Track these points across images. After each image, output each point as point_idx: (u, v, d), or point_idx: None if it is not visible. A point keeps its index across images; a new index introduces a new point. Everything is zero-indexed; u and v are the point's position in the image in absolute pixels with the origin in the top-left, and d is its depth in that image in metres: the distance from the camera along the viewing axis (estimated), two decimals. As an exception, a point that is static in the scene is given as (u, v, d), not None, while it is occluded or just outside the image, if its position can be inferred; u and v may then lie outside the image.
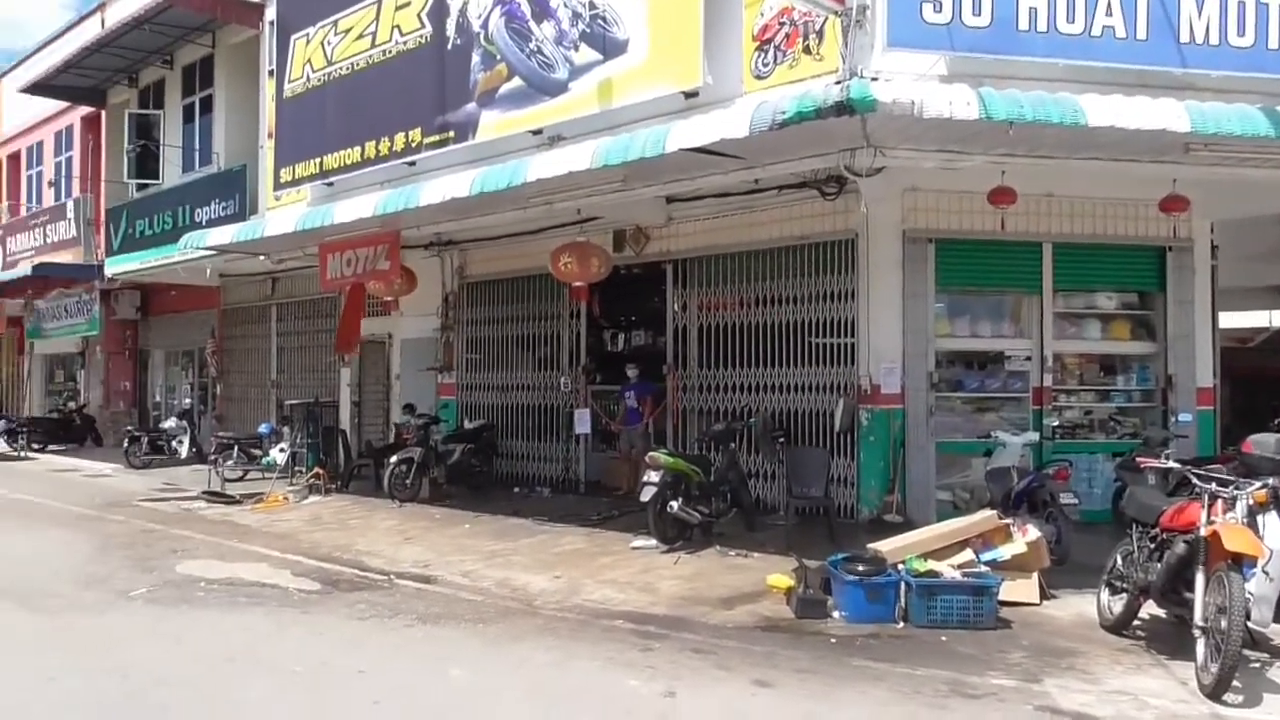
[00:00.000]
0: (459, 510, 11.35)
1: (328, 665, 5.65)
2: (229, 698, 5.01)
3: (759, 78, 8.91)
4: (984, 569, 6.68)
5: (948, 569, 6.61)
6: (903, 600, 6.51)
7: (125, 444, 17.31)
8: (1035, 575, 6.92)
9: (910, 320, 9.63)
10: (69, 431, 21.48)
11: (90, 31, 19.74)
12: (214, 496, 12.96)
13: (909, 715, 4.88)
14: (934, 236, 9.65)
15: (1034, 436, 9.34)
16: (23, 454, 20.32)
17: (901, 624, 6.42)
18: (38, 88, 20.32)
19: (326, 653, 5.93)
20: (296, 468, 13.94)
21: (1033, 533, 7.02)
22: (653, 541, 8.84)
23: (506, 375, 13.72)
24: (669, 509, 8.74)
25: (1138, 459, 7.31)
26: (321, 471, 13.29)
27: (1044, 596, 6.92)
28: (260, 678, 5.41)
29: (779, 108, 6.80)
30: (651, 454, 9.05)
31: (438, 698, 5.04)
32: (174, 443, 17.73)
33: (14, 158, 25.24)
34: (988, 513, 7.37)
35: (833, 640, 6.17)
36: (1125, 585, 6.13)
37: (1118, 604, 6.20)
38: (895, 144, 7.56)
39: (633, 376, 12.15)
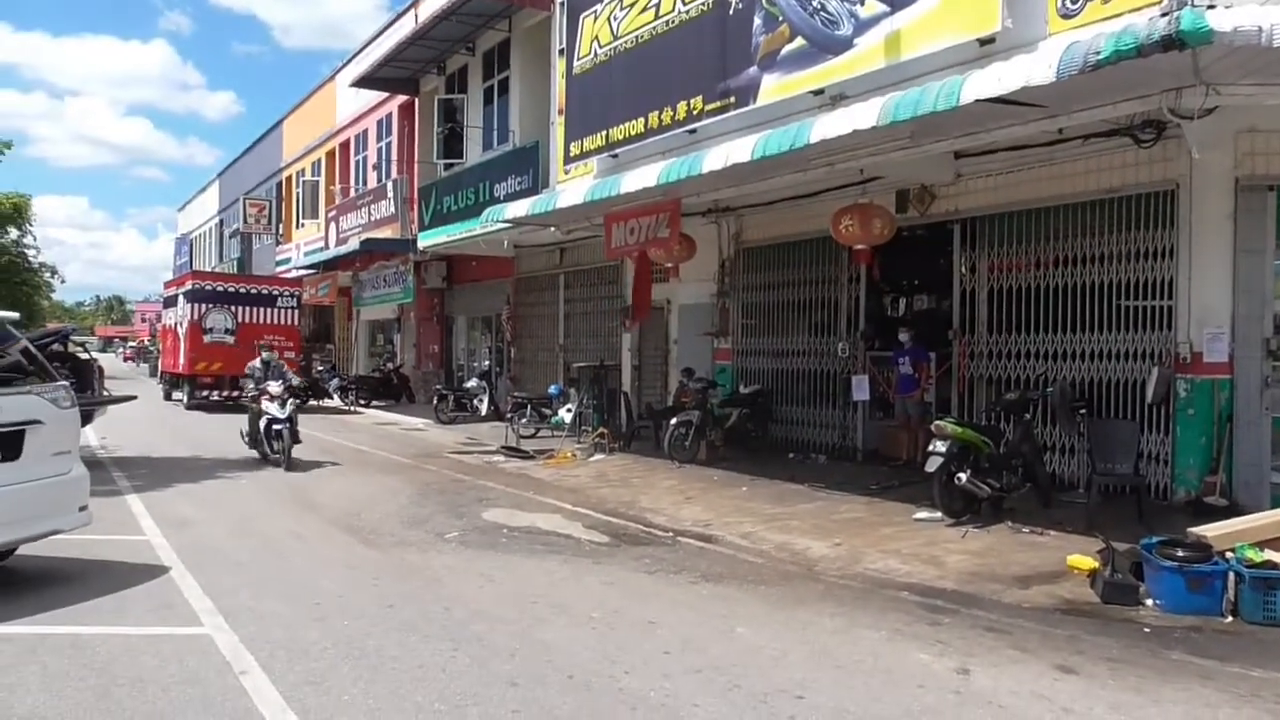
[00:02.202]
0: (735, 473, 11.54)
1: (620, 614, 5.96)
2: (535, 636, 5.43)
3: (1066, 17, 8.15)
4: (1339, 564, 5.84)
5: (1291, 561, 5.85)
6: (1231, 593, 5.85)
7: (434, 401, 19.31)
8: (1407, 576, 5.95)
9: (1243, 280, 8.53)
10: (387, 389, 24.19)
11: (405, 27, 21.84)
12: (511, 452, 14.06)
13: (1245, 720, 4.38)
14: (1276, 184, 8.46)
15: (1404, 415, 7.99)
16: (352, 408, 23.13)
17: (1230, 619, 5.79)
18: (363, 81, 22.81)
19: (618, 602, 6.26)
20: (583, 427, 14.82)
21: (1404, 526, 6.05)
22: (937, 514, 8.53)
23: (782, 340, 13.72)
24: (956, 480, 8.37)
25: None
26: (605, 431, 14.01)
27: None
28: (561, 620, 5.80)
29: (1093, 48, 6.20)
30: (938, 423, 8.68)
31: (725, 654, 5.15)
32: (475, 401, 19.49)
33: (344, 146, 28.54)
34: (1343, 501, 6.44)
35: (1146, 630, 5.67)
36: None
37: None
38: (1233, 79, 6.69)
39: (905, 341, 11.73)
